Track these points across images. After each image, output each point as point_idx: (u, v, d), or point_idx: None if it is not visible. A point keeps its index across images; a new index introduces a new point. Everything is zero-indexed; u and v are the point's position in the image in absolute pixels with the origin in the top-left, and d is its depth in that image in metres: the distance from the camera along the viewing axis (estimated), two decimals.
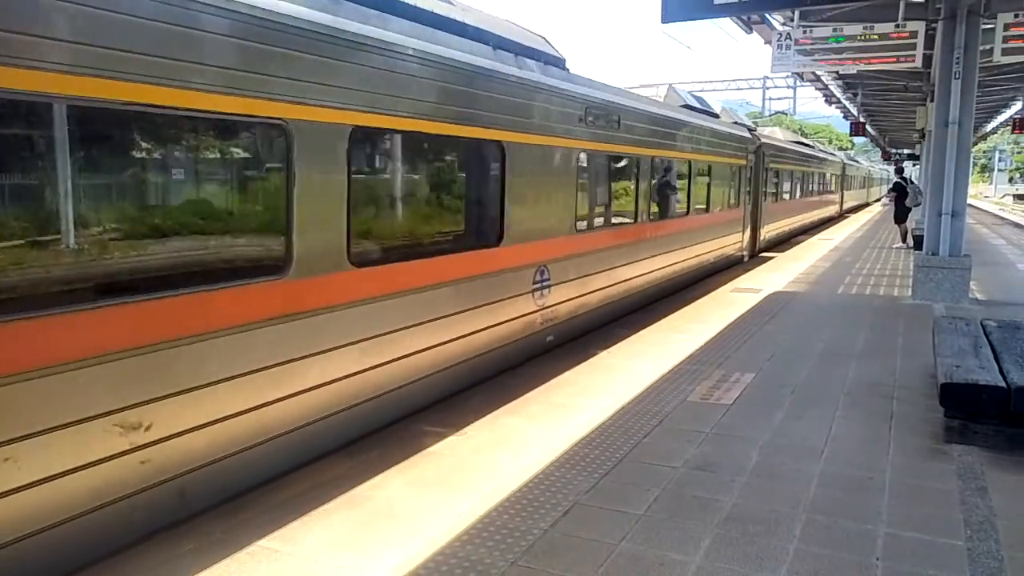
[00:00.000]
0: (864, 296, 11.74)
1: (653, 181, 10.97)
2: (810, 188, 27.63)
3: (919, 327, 8.82)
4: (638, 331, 8.84)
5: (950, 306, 10.47)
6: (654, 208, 11.18)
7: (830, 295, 11.76)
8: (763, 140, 18.76)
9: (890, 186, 20.81)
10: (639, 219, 10.56)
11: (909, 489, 4.40)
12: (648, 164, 10.71)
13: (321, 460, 4.99)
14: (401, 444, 5.22)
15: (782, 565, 3.53)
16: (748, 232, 17.63)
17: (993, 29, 10.71)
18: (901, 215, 19.64)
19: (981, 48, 10.64)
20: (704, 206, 13.88)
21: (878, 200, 54.11)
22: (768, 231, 19.87)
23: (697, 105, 14.44)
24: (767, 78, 56.30)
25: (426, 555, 3.60)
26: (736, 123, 17.37)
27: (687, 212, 12.76)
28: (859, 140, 60.52)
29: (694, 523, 3.94)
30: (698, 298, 11.37)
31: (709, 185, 14.01)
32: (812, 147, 30.28)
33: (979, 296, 11.59)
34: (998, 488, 4.41)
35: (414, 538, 3.79)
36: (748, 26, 13.13)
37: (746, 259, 17.36)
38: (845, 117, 30.40)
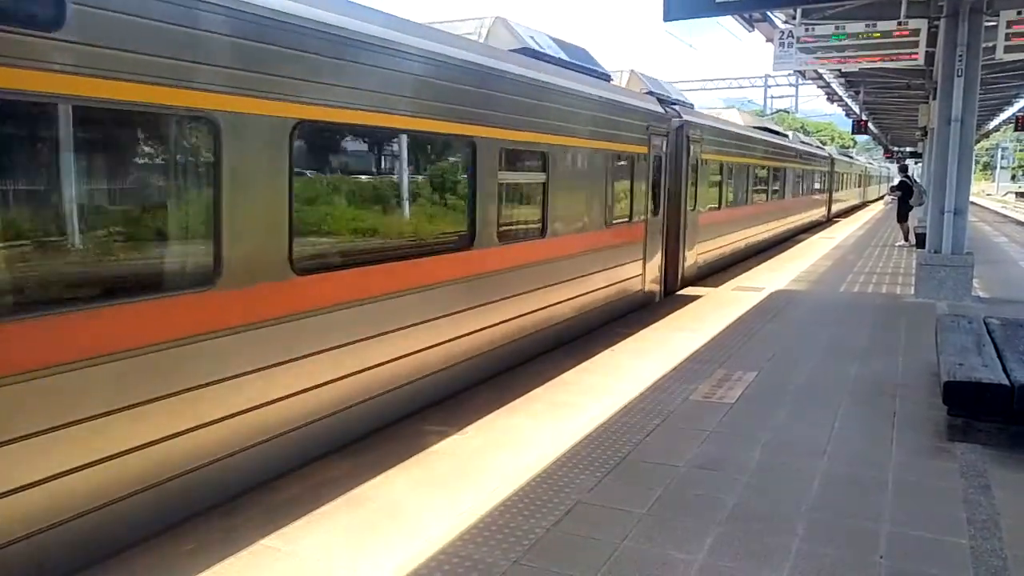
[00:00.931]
0: (866, 294, 11.72)
1: (324, 186, 5.42)
2: (781, 188, 21.41)
3: (922, 325, 8.80)
4: (640, 330, 8.83)
5: (953, 304, 10.44)
6: (339, 241, 5.43)
7: (832, 293, 11.74)
8: (689, 119, 12.47)
9: (895, 184, 20.62)
10: (262, 273, 4.49)
11: (912, 487, 4.39)
12: (309, 139, 4.98)
13: (322, 460, 4.99)
14: (403, 444, 5.21)
15: (785, 563, 3.52)
16: (658, 259, 11.28)
17: (996, 26, 10.68)
18: (904, 214, 19.63)
19: (984, 46, 10.62)
20: (537, 225, 7.77)
21: (877, 200, 53.33)
22: (702, 253, 13.60)
23: (558, 55, 8.70)
24: (769, 76, 56.27)
25: (428, 554, 3.59)
26: (650, 93, 11.62)
27: (476, 239, 6.61)
28: (861, 138, 60.46)
29: (697, 522, 3.93)
30: (699, 298, 11.35)
31: (546, 186, 7.75)
32: (785, 136, 23.68)
33: (982, 294, 11.56)
34: (1001, 486, 4.40)
35: (416, 538, 3.78)
36: (750, 24, 13.10)
37: (659, 298, 11.43)
38: (847, 115, 30.36)
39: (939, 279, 10.86)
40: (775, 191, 20.58)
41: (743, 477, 4.51)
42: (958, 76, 10.38)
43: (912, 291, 11.40)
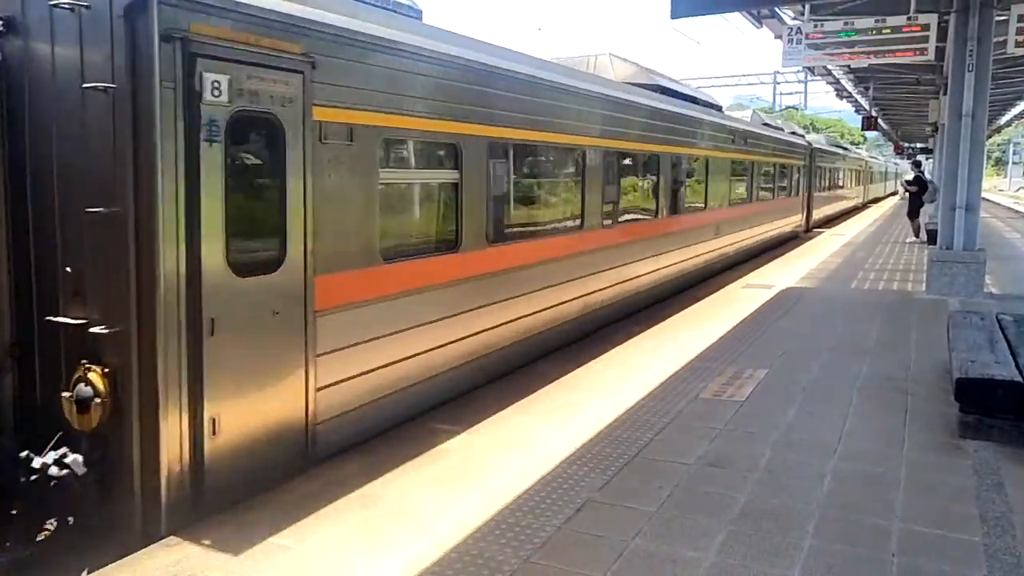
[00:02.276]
0: (877, 291, 11.65)
1: None
2: (700, 192, 13.21)
3: (933, 322, 8.74)
4: (649, 328, 8.81)
5: (965, 300, 10.37)
6: None
7: (843, 290, 11.68)
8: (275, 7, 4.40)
9: (910, 179, 20.48)
10: None
11: (924, 485, 4.36)
12: None
13: (333, 458, 5.01)
14: (412, 442, 5.22)
15: (796, 561, 3.51)
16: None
17: (1007, 20, 10.61)
18: (915, 210, 19.53)
19: (995, 40, 10.53)
20: None
21: (880, 200, 51.46)
22: (361, 377, 5.26)
23: None
24: (777, 73, 55.94)
25: (438, 553, 3.60)
26: None
27: None
28: (871, 134, 60.13)
29: (707, 520, 3.92)
30: (709, 295, 11.32)
31: None
32: (715, 108, 14.98)
33: (994, 290, 11.48)
34: (1015, 483, 4.37)
35: (426, 536, 3.79)
36: (758, 21, 13.08)
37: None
38: (857, 111, 30.20)
39: (951, 275, 10.79)
40: (687, 197, 12.54)
41: (754, 475, 4.49)
42: (969, 71, 10.30)
43: (923, 288, 11.32)
